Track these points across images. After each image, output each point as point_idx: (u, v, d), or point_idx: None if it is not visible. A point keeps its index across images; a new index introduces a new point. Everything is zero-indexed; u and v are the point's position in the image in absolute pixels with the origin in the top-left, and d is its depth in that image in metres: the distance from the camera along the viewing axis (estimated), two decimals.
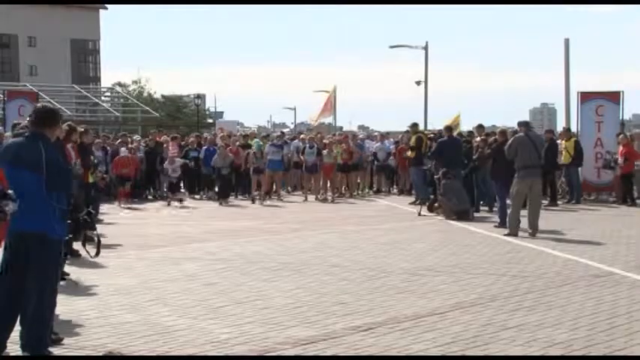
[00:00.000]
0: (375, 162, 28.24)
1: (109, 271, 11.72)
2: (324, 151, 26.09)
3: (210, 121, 78.30)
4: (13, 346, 7.12)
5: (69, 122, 12.76)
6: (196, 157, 26.92)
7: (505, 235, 15.65)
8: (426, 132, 26.90)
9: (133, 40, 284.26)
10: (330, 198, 26.09)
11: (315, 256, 13.19)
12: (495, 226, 16.99)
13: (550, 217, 18.60)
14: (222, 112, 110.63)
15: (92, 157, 14.91)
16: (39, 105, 8.17)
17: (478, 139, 21.98)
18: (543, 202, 19.23)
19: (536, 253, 13.39)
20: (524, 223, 15.77)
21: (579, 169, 24.09)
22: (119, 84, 78.98)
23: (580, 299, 9.57)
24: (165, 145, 27.51)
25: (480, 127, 23.67)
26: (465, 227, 17.36)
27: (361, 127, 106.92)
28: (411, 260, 12.65)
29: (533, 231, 15.64)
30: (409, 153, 23.78)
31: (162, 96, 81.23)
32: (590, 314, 8.77)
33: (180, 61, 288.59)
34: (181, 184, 26.62)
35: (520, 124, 16.66)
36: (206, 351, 7.43)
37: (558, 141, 24.37)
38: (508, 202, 16.49)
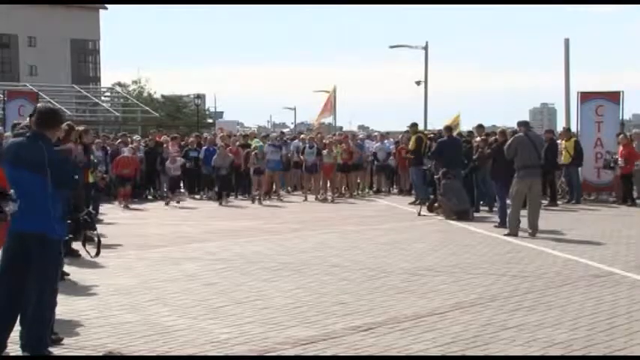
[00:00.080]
0: (375, 162, 28.24)
1: (109, 271, 11.73)
2: (324, 151, 26.09)
3: (210, 121, 78.32)
4: (13, 346, 7.12)
5: (68, 122, 12.76)
6: (196, 157, 26.93)
7: (505, 235, 15.65)
8: (425, 132, 26.90)
9: (133, 40, 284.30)
10: (330, 198, 26.09)
11: (315, 256, 13.19)
12: (495, 226, 16.99)
13: (550, 217, 18.60)
14: (222, 112, 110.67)
15: (92, 157, 14.90)
16: (40, 105, 8.15)
17: (478, 139, 21.98)
18: (543, 202, 19.23)
19: (536, 253, 13.39)
20: (524, 223, 15.78)
21: (579, 169, 24.09)
22: (119, 84, 79.03)
23: (580, 299, 9.57)
24: (165, 145, 27.53)
25: (480, 127, 23.67)
26: (465, 227, 17.36)
27: (361, 127, 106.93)
28: (411, 260, 12.65)
29: (533, 231, 15.64)
30: (408, 154, 23.80)
31: (162, 96, 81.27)
32: (590, 314, 8.77)
33: (180, 61, 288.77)
34: (181, 184, 26.62)
35: (520, 124, 16.66)
36: (206, 351, 7.43)
37: (558, 141, 24.37)
38: (508, 202, 16.48)
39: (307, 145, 26.54)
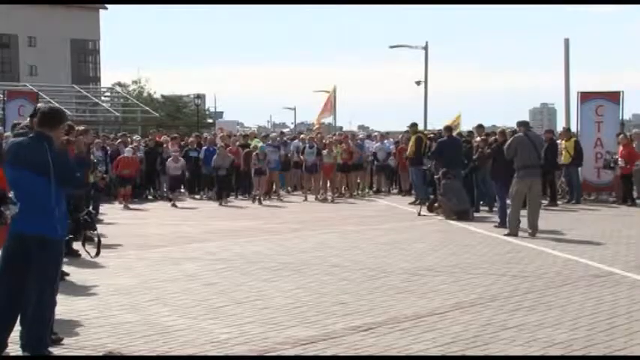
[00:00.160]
0: (375, 162, 28.24)
1: (109, 271, 11.73)
2: (324, 151, 26.09)
3: (210, 121, 78.31)
4: (13, 346, 7.12)
5: (68, 122, 12.75)
6: (196, 157, 26.93)
7: (505, 235, 15.65)
8: (425, 132, 26.90)
9: (133, 40, 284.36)
10: (330, 198, 26.09)
11: (315, 256, 13.19)
12: (495, 226, 16.99)
13: (550, 217, 18.60)
14: (222, 112, 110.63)
15: (92, 157, 14.91)
16: (40, 105, 8.14)
17: (478, 139, 21.99)
18: (543, 202, 19.23)
19: (536, 253, 13.39)
20: (524, 223, 15.77)
21: (579, 169, 24.09)
22: (119, 84, 79.03)
23: (580, 299, 9.57)
24: (165, 145, 27.54)
25: (480, 127, 23.68)
26: (464, 227, 17.36)
27: (361, 127, 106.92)
28: (411, 260, 12.65)
29: (533, 231, 15.64)
30: (408, 153, 23.83)
31: (162, 96, 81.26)
32: (590, 314, 8.77)
33: (180, 61, 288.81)
34: (182, 185, 26.61)
35: (519, 124, 16.66)
36: (206, 351, 7.43)
37: (558, 141, 24.37)
38: (508, 202, 16.48)
39: (307, 145, 26.55)
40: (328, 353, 7.35)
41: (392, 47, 43.00)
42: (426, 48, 39.08)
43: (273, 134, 30.85)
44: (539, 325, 8.25)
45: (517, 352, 7.34)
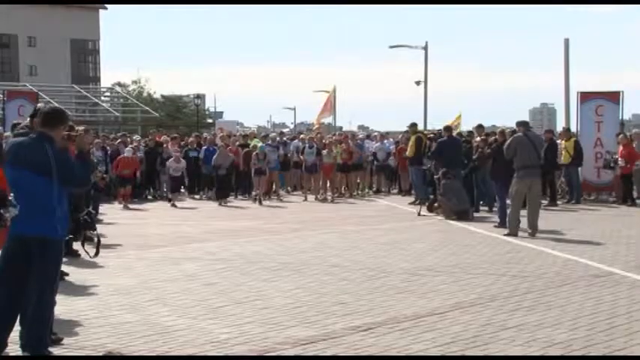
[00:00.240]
0: (375, 162, 28.24)
1: (108, 271, 11.73)
2: (324, 151, 26.09)
3: (210, 121, 78.29)
4: (13, 346, 7.12)
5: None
6: (196, 157, 26.93)
7: (505, 235, 15.65)
8: (425, 132, 26.90)
9: (133, 40, 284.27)
10: (329, 198, 26.09)
11: (314, 256, 13.19)
12: (495, 226, 16.99)
13: (550, 217, 18.60)
14: (222, 112, 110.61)
15: (92, 157, 14.91)
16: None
17: (478, 139, 21.99)
18: (543, 202, 19.23)
19: (536, 253, 13.39)
20: (523, 223, 15.77)
21: (579, 169, 24.09)
22: (119, 84, 79.00)
23: (580, 299, 9.57)
24: (165, 145, 27.54)
25: (480, 127, 23.69)
26: (464, 227, 17.36)
27: (361, 127, 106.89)
28: (411, 260, 12.65)
29: (533, 231, 15.64)
30: (408, 153, 23.84)
31: (162, 96, 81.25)
32: (590, 314, 8.77)
33: (180, 61, 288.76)
34: (182, 185, 26.60)
35: (519, 124, 16.66)
36: (206, 351, 7.43)
37: (558, 141, 24.37)
38: (508, 202, 16.48)
39: (307, 145, 26.55)
40: (328, 353, 7.35)
41: (392, 47, 43.00)
42: (425, 48, 39.07)
43: (272, 134, 30.85)
44: (538, 325, 8.25)
45: (517, 352, 7.34)
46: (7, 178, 6.94)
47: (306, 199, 25.58)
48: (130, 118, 56.48)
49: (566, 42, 27.38)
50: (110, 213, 20.84)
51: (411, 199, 24.08)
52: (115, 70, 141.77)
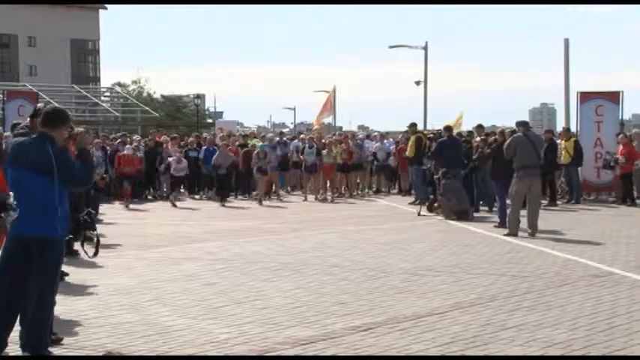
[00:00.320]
0: (375, 162, 28.25)
1: (108, 271, 11.73)
2: (324, 151, 26.10)
3: (210, 121, 78.28)
4: (13, 346, 7.12)
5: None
6: (196, 157, 26.93)
7: (505, 235, 15.65)
8: (425, 132, 26.91)
9: (133, 40, 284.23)
10: (329, 198, 26.10)
11: (314, 256, 13.19)
12: (495, 226, 17.00)
13: (550, 217, 18.60)
14: (221, 112, 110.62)
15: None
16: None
17: (478, 139, 22.00)
18: (543, 202, 19.23)
19: (536, 253, 13.39)
20: (523, 223, 15.78)
21: (579, 169, 24.09)
22: (119, 84, 78.95)
23: (579, 299, 9.57)
24: (165, 145, 27.54)
25: (480, 127, 23.71)
26: (464, 227, 17.36)
27: (361, 127, 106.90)
28: (411, 260, 12.65)
29: (533, 231, 15.64)
30: (408, 153, 23.85)
31: (162, 96, 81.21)
32: (590, 314, 8.77)
33: (180, 61, 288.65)
34: (181, 185, 26.61)
35: (518, 124, 16.66)
36: (206, 351, 7.43)
37: (558, 141, 24.38)
38: (508, 202, 16.48)
39: (307, 145, 26.56)
40: (328, 353, 7.35)
41: (392, 47, 43.00)
42: (425, 48, 39.06)
43: (270, 135, 30.89)
44: (538, 325, 8.25)
45: (516, 352, 7.34)
46: (8, 178, 6.95)
47: (306, 199, 25.59)
48: (130, 118, 56.48)
49: (566, 42, 27.39)
50: (110, 213, 20.84)
51: (411, 199, 24.09)
52: (115, 70, 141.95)
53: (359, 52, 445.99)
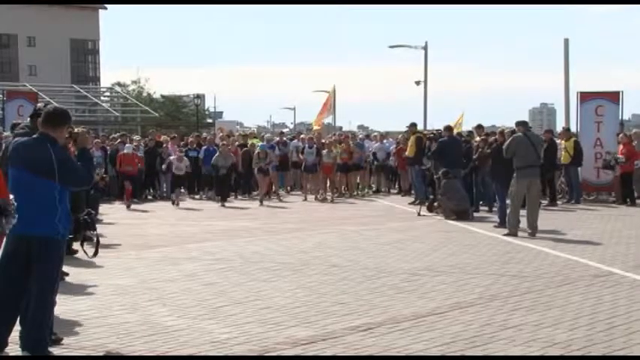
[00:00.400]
0: (375, 162, 28.25)
1: (108, 271, 11.72)
2: (324, 151, 26.10)
3: (210, 121, 78.24)
4: (13, 346, 7.12)
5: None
6: (196, 157, 26.93)
7: (504, 235, 15.65)
8: (425, 132, 26.91)
9: (133, 40, 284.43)
10: (329, 198, 26.09)
11: (314, 256, 13.19)
12: (495, 226, 16.99)
13: (549, 217, 18.60)
14: (221, 112, 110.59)
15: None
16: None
17: (478, 139, 22.01)
18: (543, 202, 19.23)
19: (536, 253, 13.39)
20: (523, 223, 15.77)
21: (579, 169, 24.10)
22: (118, 84, 78.89)
23: (579, 299, 9.57)
24: (164, 145, 27.54)
25: (480, 127, 23.73)
26: (464, 227, 17.36)
27: (361, 127, 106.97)
28: (411, 260, 12.65)
29: (533, 231, 15.64)
30: (408, 153, 23.86)
31: (162, 96, 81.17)
32: (590, 314, 8.77)
33: (181, 61, 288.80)
34: (181, 185, 26.60)
35: (518, 123, 16.66)
36: (205, 351, 7.43)
37: (558, 141, 24.38)
38: (508, 202, 16.48)
39: (307, 145, 26.55)
40: (328, 353, 7.36)
41: (392, 47, 42.99)
42: (425, 48, 39.06)
43: (268, 135, 30.92)
44: (538, 325, 8.25)
45: (516, 352, 7.34)
46: (9, 179, 6.96)
47: (306, 199, 25.59)
48: (130, 118, 56.48)
49: (566, 42, 27.40)
50: (110, 213, 20.85)
51: (411, 199, 24.09)
52: (114, 70, 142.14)
53: (359, 52, 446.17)
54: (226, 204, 24.02)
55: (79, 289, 10.35)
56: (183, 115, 78.03)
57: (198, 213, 22.10)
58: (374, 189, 28.75)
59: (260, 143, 26.91)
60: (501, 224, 16.75)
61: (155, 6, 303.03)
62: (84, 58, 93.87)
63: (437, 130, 24.04)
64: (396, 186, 28.89)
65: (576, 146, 23.97)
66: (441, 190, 19.50)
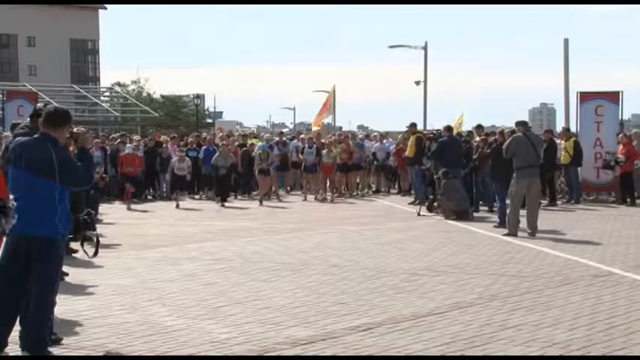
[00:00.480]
0: (375, 162, 28.25)
1: (108, 271, 11.72)
2: (324, 151, 26.10)
3: (210, 121, 78.24)
4: (13, 346, 7.12)
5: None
6: (196, 157, 26.93)
7: (504, 235, 15.65)
8: (424, 132, 26.91)
9: (133, 40, 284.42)
10: (329, 198, 26.09)
11: (314, 256, 13.19)
12: (495, 226, 17.00)
13: (549, 217, 18.60)
14: (221, 112, 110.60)
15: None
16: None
17: (477, 139, 22.01)
18: (543, 202, 19.23)
19: (535, 253, 13.39)
20: (523, 223, 15.78)
21: (579, 169, 24.10)
22: (118, 84, 78.88)
23: (579, 299, 9.57)
24: (164, 145, 27.54)
25: (479, 127, 23.73)
26: (464, 227, 17.36)
27: (360, 127, 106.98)
28: (410, 260, 12.65)
29: (533, 231, 15.64)
30: (408, 153, 23.86)
31: (162, 96, 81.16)
32: (589, 314, 8.77)
33: (180, 61, 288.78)
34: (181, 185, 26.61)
35: (518, 123, 16.66)
36: (205, 351, 7.44)
37: (558, 141, 24.39)
38: (507, 202, 16.48)
39: (306, 145, 26.55)
40: (327, 353, 7.36)
41: (392, 47, 42.98)
42: (425, 48, 39.05)
43: (266, 135, 30.91)
44: (538, 325, 8.25)
45: (516, 352, 7.34)
46: (10, 178, 6.96)
47: (305, 199, 25.59)
48: (130, 118, 56.47)
49: (566, 42, 27.39)
50: (110, 213, 20.85)
51: (411, 199, 24.09)
52: (114, 70, 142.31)
53: (359, 52, 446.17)
54: (226, 204, 24.02)
55: (79, 289, 10.35)
56: (183, 115, 78.02)
57: (198, 213, 22.10)
58: (374, 189, 28.75)
59: (260, 143, 26.89)
60: (501, 224, 16.75)
61: (155, 6, 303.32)
62: (84, 58, 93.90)
63: (436, 130, 24.05)
64: (396, 186, 28.90)
65: (576, 146, 23.98)
66: (441, 190, 19.50)
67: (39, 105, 10.83)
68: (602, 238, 15.40)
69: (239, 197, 26.70)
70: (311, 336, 7.90)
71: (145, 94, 78.29)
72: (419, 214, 19.83)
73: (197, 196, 26.90)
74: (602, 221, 18.85)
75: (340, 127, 58.04)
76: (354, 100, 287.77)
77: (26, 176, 7.00)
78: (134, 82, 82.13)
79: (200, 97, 72.07)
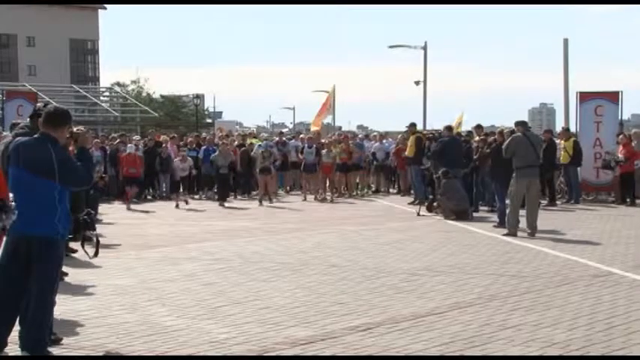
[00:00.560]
0: (374, 162, 28.25)
1: (108, 271, 11.73)
2: (323, 151, 26.09)
3: (209, 121, 78.27)
4: (13, 346, 7.13)
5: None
6: (195, 157, 26.93)
7: (504, 235, 15.65)
8: (424, 132, 26.92)
9: (132, 40, 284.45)
10: (329, 198, 26.09)
11: (313, 256, 13.19)
12: (494, 226, 17.00)
13: (549, 217, 18.61)
14: (221, 112, 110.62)
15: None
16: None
17: (477, 139, 22.00)
18: (542, 202, 19.23)
19: (535, 253, 13.40)
20: (522, 223, 15.78)
21: (578, 169, 24.10)
22: (118, 84, 78.89)
23: (578, 299, 9.58)
24: (164, 145, 27.53)
25: (479, 127, 23.74)
26: (463, 227, 17.36)
27: (360, 127, 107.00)
28: (410, 260, 12.65)
29: (532, 231, 15.65)
30: (407, 153, 23.86)
31: (162, 96, 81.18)
32: (589, 314, 8.78)
33: (180, 61, 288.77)
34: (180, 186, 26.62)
35: (517, 123, 16.66)
36: (204, 351, 7.44)
37: (557, 141, 24.39)
38: (507, 202, 16.48)
39: (306, 145, 26.55)
40: (327, 353, 7.36)
41: (391, 47, 42.98)
42: (425, 48, 39.06)
43: (266, 135, 30.93)
44: (537, 325, 8.26)
45: (515, 352, 7.35)
46: (10, 178, 6.96)
47: (305, 199, 25.58)
48: (130, 118, 56.48)
49: (566, 42, 27.40)
50: (110, 213, 20.85)
51: (411, 199, 24.09)
52: (114, 70, 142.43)
53: (359, 52, 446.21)
54: (226, 204, 24.01)
55: (79, 289, 10.35)
56: (183, 115, 78.04)
57: (198, 213, 22.09)
58: (373, 189, 28.75)
59: (259, 143, 26.88)
60: (501, 224, 16.75)
61: (155, 6, 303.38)
62: (83, 58, 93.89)
63: (436, 130, 24.06)
64: (396, 186, 28.90)
65: (576, 146, 23.98)
66: (441, 190, 19.50)
67: (39, 105, 10.82)
68: (602, 238, 15.41)
69: (239, 197, 26.69)
70: (310, 336, 7.90)
71: (144, 94, 78.32)
72: (418, 214, 19.84)
73: (197, 196, 26.88)
74: (602, 221, 18.86)
75: (340, 127, 58.05)
76: (354, 100, 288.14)
77: (26, 176, 7.01)
78: (134, 82, 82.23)
79: (200, 97, 72.14)
